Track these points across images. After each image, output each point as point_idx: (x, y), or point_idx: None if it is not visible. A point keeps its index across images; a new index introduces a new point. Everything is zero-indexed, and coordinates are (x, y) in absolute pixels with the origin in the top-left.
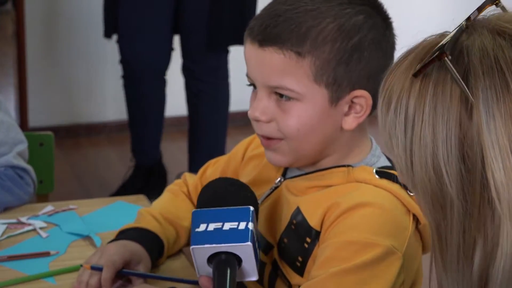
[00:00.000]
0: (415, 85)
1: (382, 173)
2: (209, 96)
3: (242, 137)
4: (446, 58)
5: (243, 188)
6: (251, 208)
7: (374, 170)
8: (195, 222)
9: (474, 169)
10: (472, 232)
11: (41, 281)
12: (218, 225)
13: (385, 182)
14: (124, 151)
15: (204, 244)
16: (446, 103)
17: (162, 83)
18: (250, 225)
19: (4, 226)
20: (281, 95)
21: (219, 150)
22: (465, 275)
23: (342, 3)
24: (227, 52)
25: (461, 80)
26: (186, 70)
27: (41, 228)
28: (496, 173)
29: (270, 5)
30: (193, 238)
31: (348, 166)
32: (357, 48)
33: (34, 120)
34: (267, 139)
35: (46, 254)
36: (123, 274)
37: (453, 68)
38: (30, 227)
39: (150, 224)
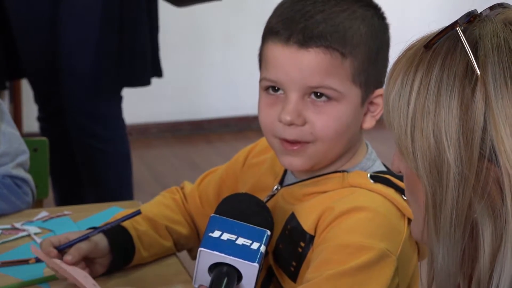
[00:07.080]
0: (425, 59)
1: (377, 177)
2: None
3: (236, 142)
4: (458, 28)
5: (266, 211)
6: (268, 232)
7: (369, 175)
8: (211, 227)
9: (472, 137)
10: (465, 197)
11: (35, 287)
12: (232, 236)
13: (379, 187)
14: None
15: (213, 250)
16: (452, 73)
17: None
18: (263, 248)
19: None
20: (318, 96)
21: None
22: (456, 239)
23: (362, 6)
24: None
25: (469, 50)
26: (72, 123)
27: (35, 234)
28: (507, 148)
29: (291, 5)
30: (204, 241)
31: (344, 171)
32: (381, 48)
33: (28, 125)
34: (295, 144)
35: (41, 260)
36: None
37: (463, 38)
38: (24, 233)
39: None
